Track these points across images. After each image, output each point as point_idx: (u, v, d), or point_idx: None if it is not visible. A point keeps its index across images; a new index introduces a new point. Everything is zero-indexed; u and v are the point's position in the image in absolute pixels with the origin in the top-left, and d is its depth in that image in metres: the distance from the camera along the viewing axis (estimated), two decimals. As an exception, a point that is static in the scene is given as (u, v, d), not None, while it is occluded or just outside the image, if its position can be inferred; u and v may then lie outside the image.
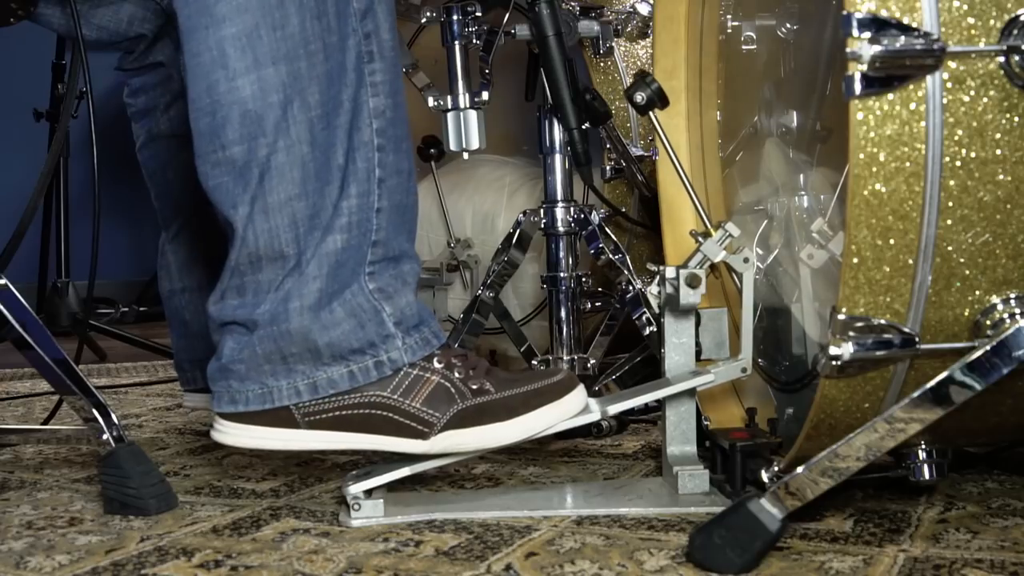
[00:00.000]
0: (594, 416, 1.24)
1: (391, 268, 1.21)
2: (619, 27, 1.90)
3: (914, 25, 0.95)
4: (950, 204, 0.98)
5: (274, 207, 1.16)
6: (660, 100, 1.33)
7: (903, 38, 0.94)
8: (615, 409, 1.25)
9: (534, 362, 1.75)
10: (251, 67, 1.14)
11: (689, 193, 1.32)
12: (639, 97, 1.32)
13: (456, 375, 1.21)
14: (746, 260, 1.23)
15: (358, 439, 1.20)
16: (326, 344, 1.18)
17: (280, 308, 1.18)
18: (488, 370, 1.23)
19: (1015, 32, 0.96)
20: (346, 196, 1.18)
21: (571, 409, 1.22)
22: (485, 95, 1.65)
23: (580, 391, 1.23)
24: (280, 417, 1.20)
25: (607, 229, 1.71)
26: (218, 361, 1.22)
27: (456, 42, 1.67)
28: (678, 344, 1.27)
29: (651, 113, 1.34)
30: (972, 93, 0.96)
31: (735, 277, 1.25)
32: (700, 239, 1.24)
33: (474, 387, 1.21)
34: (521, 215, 1.74)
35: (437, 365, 1.21)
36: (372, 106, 1.19)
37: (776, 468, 1.14)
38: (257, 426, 1.20)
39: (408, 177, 1.24)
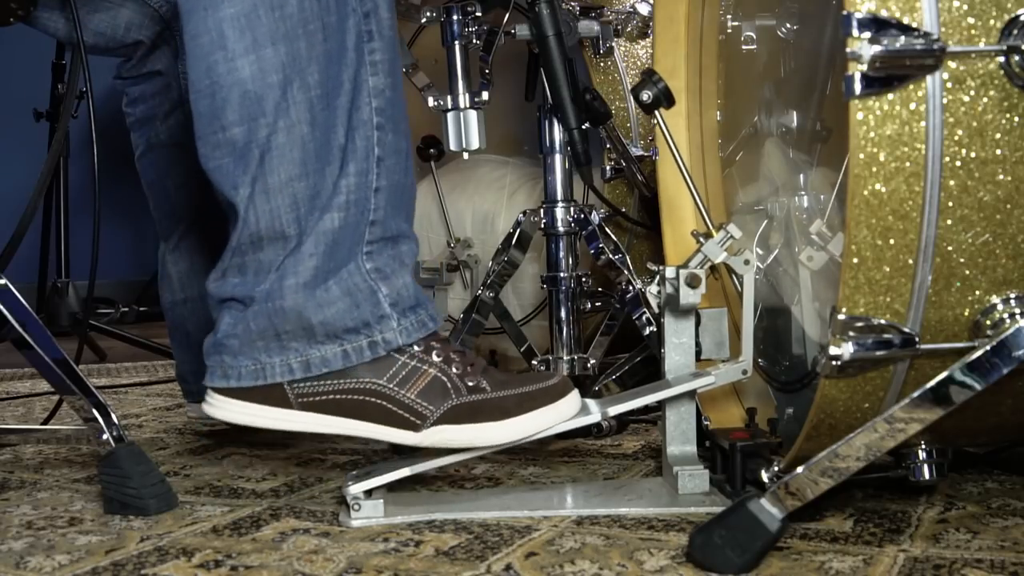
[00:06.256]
0: (594, 418, 1.24)
1: (389, 248, 1.21)
2: (619, 27, 1.90)
3: (914, 25, 0.95)
4: (950, 204, 0.98)
5: (275, 188, 1.16)
6: (666, 99, 1.32)
7: (903, 38, 0.94)
8: (615, 411, 1.25)
9: (534, 362, 1.75)
10: (250, 48, 1.13)
11: (692, 193, 1.32)
12: (645, 95, 1.32)
13: (454, 370, 1.20)
14: (747, 262, 1.23)
15: (349, 425, 1.19)
16: (320, 322, 1.17)
17: (276, 285, 1.17)
18: (485, 369, 1.23)
19: (1015, 32, 0.96)
20: (344, 175, 1.18)
21: (565, 413, 1.21)
22: (485, 95, 1.65)
23: (574, 396, 1.23)
24: (273, 395, 1.19)
25: (607, 229, 1.71)
26: (214, 336, 1.21)
27: (456, 42, 1.67)
28: (678, 344, 1.27)
29: (656, 112, 1.33)
30: (972, 93, 0.96)
31: (735, 279, 1.25)
32: (702, 239, 1.24)
33: (470, 384, 1.20)
34: (521, 215, 1.74)
35: (435, 358, 1.20)
36: (372, 85, 1.19)
37: (776, 468, 1.14)
38: (249, 402, 1.19)
39: (406, 158, 1.23)
